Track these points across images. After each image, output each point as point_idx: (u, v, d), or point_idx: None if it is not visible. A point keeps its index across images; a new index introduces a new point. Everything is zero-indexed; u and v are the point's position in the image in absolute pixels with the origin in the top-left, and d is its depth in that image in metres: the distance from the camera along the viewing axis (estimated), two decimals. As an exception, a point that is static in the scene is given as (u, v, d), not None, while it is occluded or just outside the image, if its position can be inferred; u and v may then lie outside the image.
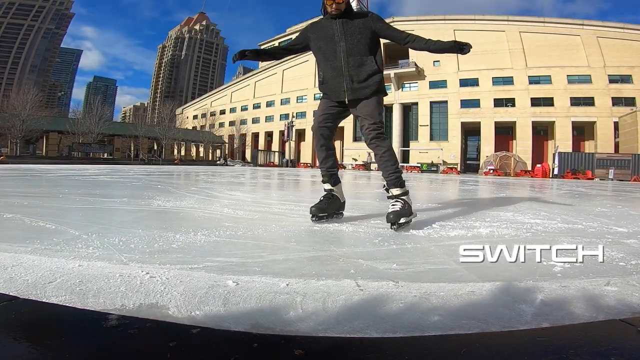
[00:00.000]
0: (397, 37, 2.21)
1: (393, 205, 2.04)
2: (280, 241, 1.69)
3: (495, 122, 37.59)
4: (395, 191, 2.08)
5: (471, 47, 2.05)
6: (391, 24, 2.27)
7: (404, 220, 1.98)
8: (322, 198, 2.25)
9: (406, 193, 2.11)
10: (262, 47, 2.41)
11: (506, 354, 0.72)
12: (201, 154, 49.45)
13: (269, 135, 52.70)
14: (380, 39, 2.22)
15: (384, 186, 2.14)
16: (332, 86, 2.21)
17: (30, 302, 0.91)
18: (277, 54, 2.53)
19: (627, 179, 23.96)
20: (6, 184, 5.14)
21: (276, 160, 47.31)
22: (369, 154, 36.22)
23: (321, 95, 2.32)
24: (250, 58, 2.28)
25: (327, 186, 2.28)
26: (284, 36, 77.69)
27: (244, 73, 76.53)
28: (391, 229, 1.97)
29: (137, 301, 0.93)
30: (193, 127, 56.69)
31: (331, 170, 2.27)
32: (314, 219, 2.20)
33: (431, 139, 40.38)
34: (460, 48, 2.06)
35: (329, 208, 2.23)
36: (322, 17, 2.24)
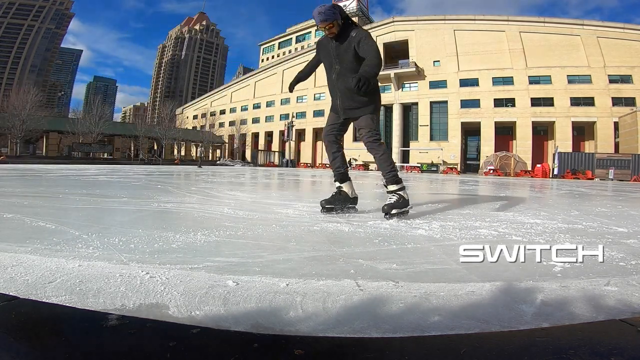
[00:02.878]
0: (367, 59, 2.23)
1: (390, 198, 2.39)
2: (280, 241, 1.69)
3: (495, 122, 37.57)
4: (392, 187, 2.42)
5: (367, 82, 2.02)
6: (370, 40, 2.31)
7: (395, 212, 2.32)
8: (332, 193, 2.61)
9: (402, 189, 2.42)
10: (301, 72, 2.88)
11: (506, 354, 0.72)
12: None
13: (269, 135, 52.68)
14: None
15: (383, 183, 2.48)
16: (332, 103, 2.58)
17: (30, 302, 0.91)
18: (308, 73, 2.84)
19: (627, 179, 23.95)
20: (6, 184, 5.14)
21: (276, 161, 47.32)
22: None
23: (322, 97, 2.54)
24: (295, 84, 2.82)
25: (337, 184, 2.62)
26: (283, 36, 77.74)
27: (244, 73, 76.57)
28: (385, 218, 2.29)
29: (137, 301, 0.93)
30: (193, 127, 56.67)
31: (339, 170, 2.61)
32: (323, 211, 2.54)
33: (431, 139, 40.35)
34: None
35: (336, 202, 2.57)
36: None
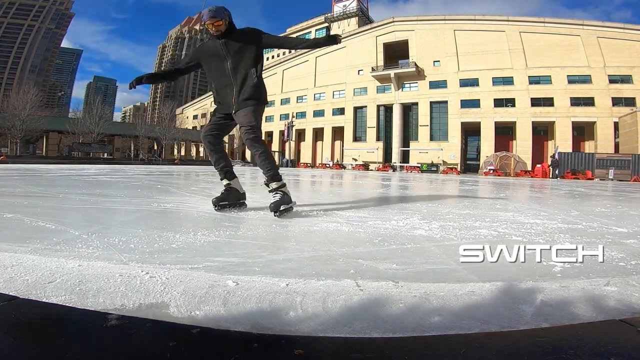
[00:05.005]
0: (283, 43, 2.79)
1: (274, 197, 2.42)
2: (280, 241, 1.69)
3: (495, 122, 37.58)
4: (274, 185, 2.46)
5: (341, 38, 2.52)
6: (278, 35, 2.68)
7: (283, 208, 2.37)
8: (222, 191, 2.64)
9: (283, 186, 2.48)
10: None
11: (506, 354, 0.72)
12: (201, 154, 49.51)
13: (269, 135, 52.69)
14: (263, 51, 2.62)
15: (265, 182, 2.52)
16: (221, 100, 2.58)
17: (30, 302, 0.91)
18: (173, 75, 2.79)
19: (627, 179, 23.96)
20: (6, 183, 5.14)
21: (276, 160, 47.32)
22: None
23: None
24: (147, 82, 2.64)
25: (225, 181, 2.66)
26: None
27: (244, 73, 76.38)
28: (275, 216, 2.33)
29: (137, 301, 0.93)
30: (193, 127, 56.69)
31: (225, 168, 2.66)
32: (216, 208, 2.55)
33: (431, 139, 40.36)
34: (333, 38, 2.51)
35: (229, 198, 2.62)
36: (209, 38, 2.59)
